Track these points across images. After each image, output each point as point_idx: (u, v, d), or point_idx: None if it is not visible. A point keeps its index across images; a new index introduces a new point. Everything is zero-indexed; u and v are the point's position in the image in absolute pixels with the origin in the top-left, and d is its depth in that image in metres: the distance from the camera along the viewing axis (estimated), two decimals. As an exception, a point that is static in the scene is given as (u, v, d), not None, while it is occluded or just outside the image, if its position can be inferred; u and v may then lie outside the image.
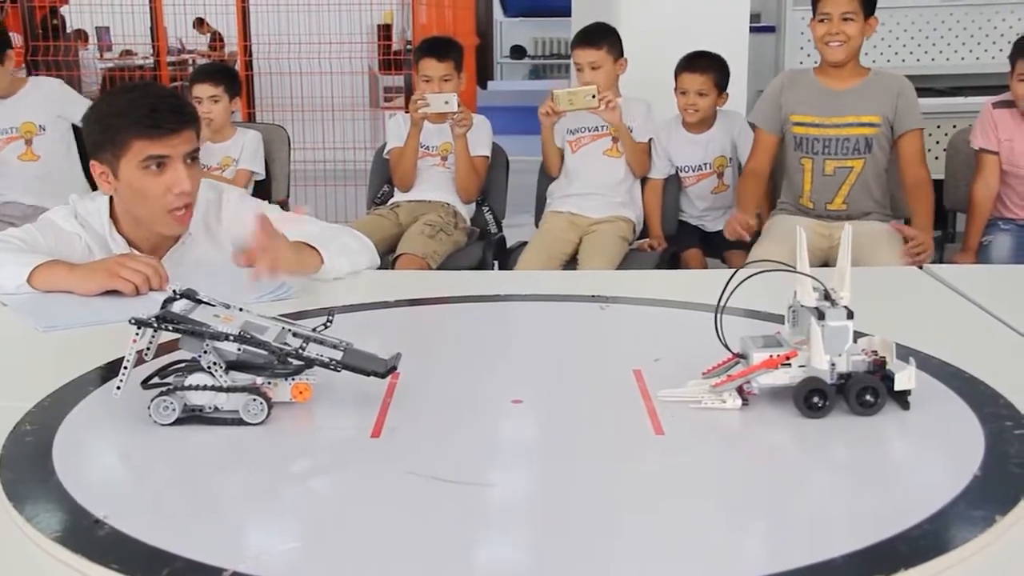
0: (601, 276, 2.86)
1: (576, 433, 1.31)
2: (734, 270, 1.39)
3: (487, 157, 3.61)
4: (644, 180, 3.60)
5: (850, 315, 1.34)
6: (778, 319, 1.45)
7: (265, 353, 1.34)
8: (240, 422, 1.31)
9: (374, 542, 1.03)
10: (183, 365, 1.35)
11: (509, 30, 11.27)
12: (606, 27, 3.56)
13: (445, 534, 1.04)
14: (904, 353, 1.37)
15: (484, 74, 10.04)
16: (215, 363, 1.32)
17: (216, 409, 1.32)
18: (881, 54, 5.48)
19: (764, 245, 3.10)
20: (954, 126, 3.95)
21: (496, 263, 3.52)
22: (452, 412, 1.39)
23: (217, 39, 7.60)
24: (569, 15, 4.87)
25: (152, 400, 1.31)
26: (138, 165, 2.02)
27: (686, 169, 3.61)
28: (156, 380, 1.37)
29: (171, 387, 1.32)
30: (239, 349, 1.33)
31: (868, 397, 1.32)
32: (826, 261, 3.05)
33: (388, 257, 3.29)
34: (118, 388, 1.31)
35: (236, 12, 6.29)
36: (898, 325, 1.54)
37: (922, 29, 5.52)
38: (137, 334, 1.32)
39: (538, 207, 3.70)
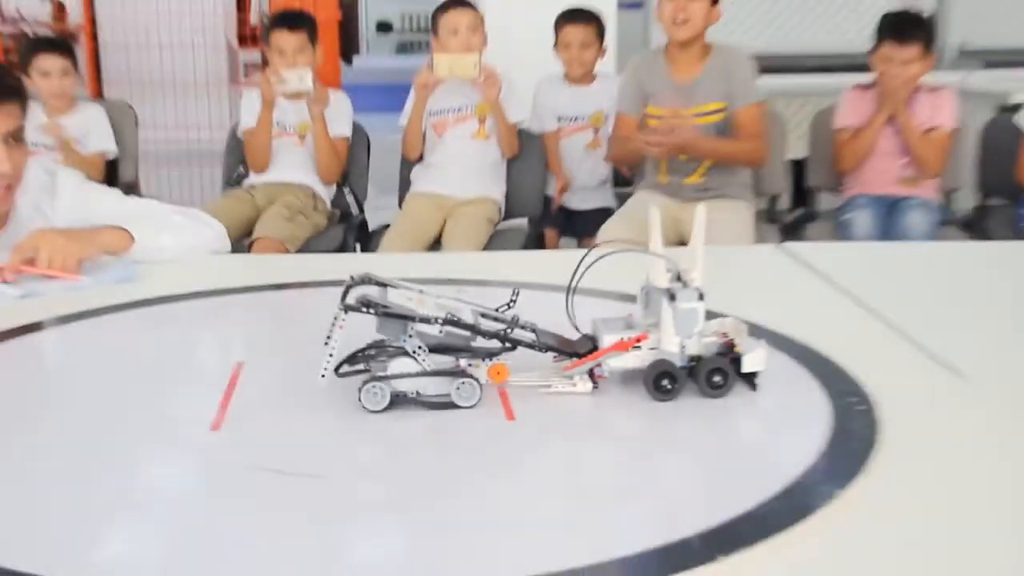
0: (465, 258, 2.86)
1: (422, 418, 1.31)
2: (587, 250, 1.40)
3: (347, 137, 3.57)
4: (530, 140, 3.62)
5: (701, 296, 1.36)
6: (632, 299, 1.47)
7: (467, 334, 1.34)
8: (449, 405, 1.31)
9: (214, 540, 1.02)
10: (374, 351, 1.35)
11: (375, 5, 11.17)
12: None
13: (287, 528, 1.03)
14: (757, 333, 1.41)
15: (349, 49, 9.93)
16: (420, 347, 1.32)
17: (419, 394, 1.32)
18: (746, 33, 5.62)
19: (616, 223, 3.17)
20: (818, 106, 4.05)
21: (358, 246, 3.49)
22: (295, 401, 1.38)
23: (60, 9, 7.32)
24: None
25: (362, 387, 1.30)
26: None
27: (563, 120, 3.66)
28: (347, 367, 1.35)
29: (374, 374, 1.32)
30: (440, 332, 1.32)
31: (717, 379, 1.35)
32: (682, 240, 3.10)
33: (244, 241, 3.23)
34: (323, 375, 1.31)
35: (78, -19, 6.08)
36: (753, 304, 1.59)
37: (789, 6, 5.68)
38: (343, 319, 1.31)
39: (402, 188, 3.68)
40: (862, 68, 3.53)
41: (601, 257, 1.38)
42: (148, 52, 5.82)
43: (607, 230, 3.12)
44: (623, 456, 1.25)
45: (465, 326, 1.33)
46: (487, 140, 3.53)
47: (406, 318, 1.31)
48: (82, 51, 5.76)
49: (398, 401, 1.31)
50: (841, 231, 3.40)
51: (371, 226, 3.62)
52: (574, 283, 1.38)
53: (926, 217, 3.37)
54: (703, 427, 1.31)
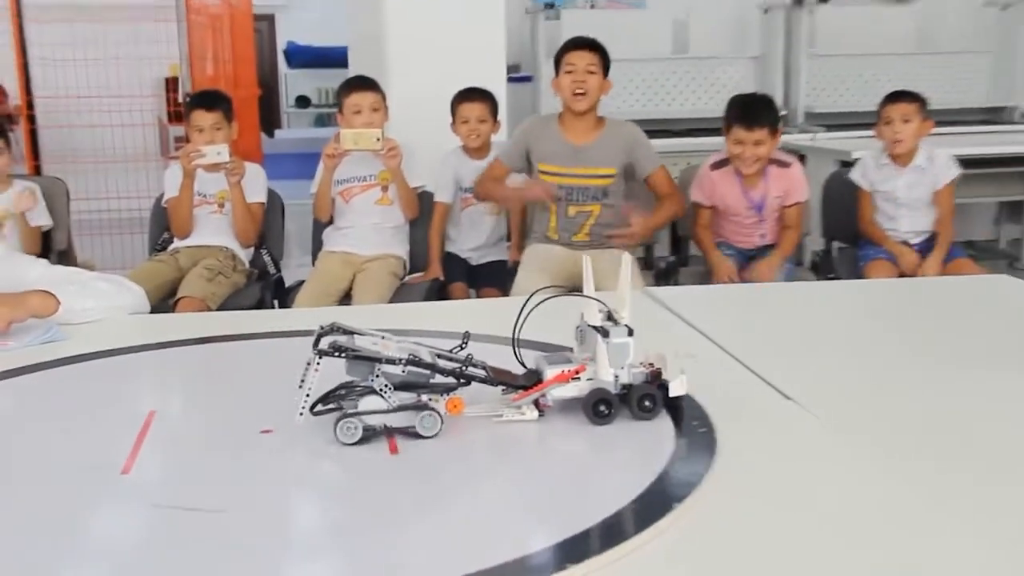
0: (372, 310, 2.87)
1: (325, 458, 1.33)
2: (529, 295, 1.48)
3: (263, 203, 3.58)
4: (432, 206, 3.64)
5: (630, 332, 1.43)
6: (540, 346, 1.54)
7: (427, 373, 1.38)
8: (414, 436, 1.36)
9: (117, 572, 1.03)
10: (344, 391, 1.39)
11: (294, 81, 11.15)
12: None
13: (188, 562, 1.04)
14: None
15: (271, 123, 9.91)
16: (386, 385, 1.35)
17: (386, 427, 1.36)
18: (624, 101, 5.76)
19: (526, 274, 3.21)
20: (688, 163, 4.17)
21: (276, 302, 3.48)
22: (204, 444, 1.39)
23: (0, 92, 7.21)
24: (347, 66, 4.92)
25: (337, 423, 1.34)
26: None
27: (469, 192, 3.69)
28: (321, 407, 1.39)
29: (346, 411, 1.35)
30: (404, 371, 1.37)
31: (647, 404, 1.41)
32: (577, 285, 3.17)
33: (168, 301, 3.21)
34: (301, 414, 1.35)
35: (16, 67, 5.99)
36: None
37: (657, 79, 5.84)
38: (318, 364, 1.35)
39: (315, 248, 3.69)
40: (719, 131, 3.63)
41: (543, 301, 1.46)
42: (86, 131, 5.76)
43: (522, 282, 3.17)
44: (560, 472, 1.30)
45: (425, 365, 1.38)
46: (390, 205, 3.56)
47: (374, 360, 1.36)
48: (21, 131, 5.69)
49: (369, 434, 1.35)
50: (708, 276, 3.48)
51: (288, 283, 3.62)
52: (519, 324, 1.44)
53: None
54: (573, 443, 1.37)
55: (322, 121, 11.02)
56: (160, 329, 2.08)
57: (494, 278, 3.60)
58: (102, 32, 5.78)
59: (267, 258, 3.62)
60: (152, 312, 2.31)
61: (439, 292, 3.55)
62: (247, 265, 3.54)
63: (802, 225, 3.53)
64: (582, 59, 3.23)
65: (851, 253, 3.75)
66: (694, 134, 5.22)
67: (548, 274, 3.08)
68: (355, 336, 1.39)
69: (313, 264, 3.62)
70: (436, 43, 4.09)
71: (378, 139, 3.32)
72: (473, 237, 3.75)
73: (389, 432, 1.36)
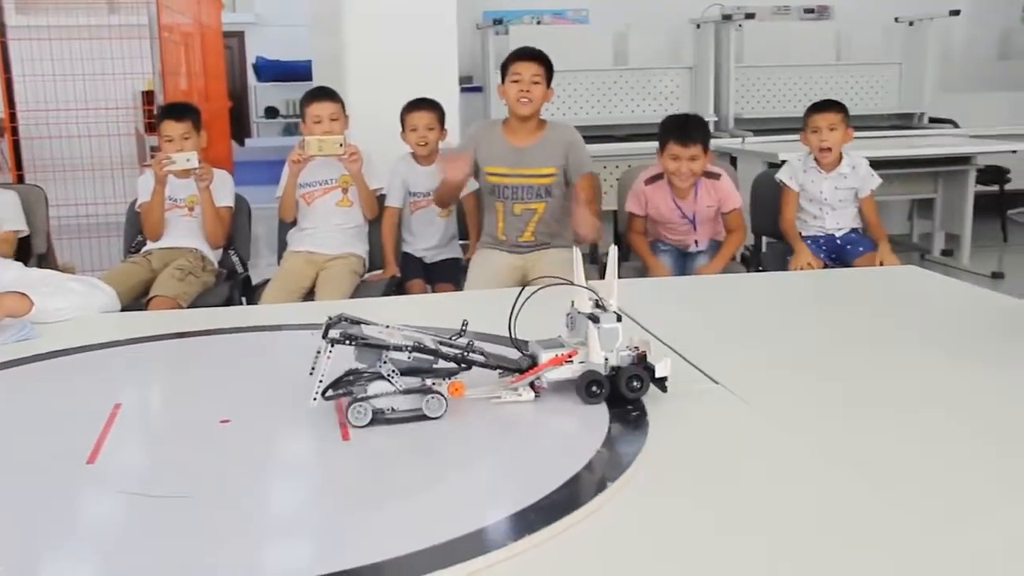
0: (334, 305, 2.83)
1: (271, 444, 1.30)
2: (521, 288, 1.47)
3: (231, 207, 3.51)
4: (383, 209, 3.60)
5: (619, 318, 1.43)
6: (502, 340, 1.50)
7: (430, 358, 1.38)
8: (421, 418, 1.35)
9: (83, 560, 0.99)
10: (353, 377, 1.38)
11: (263, 93, 10.99)
12: None
13: (152, 546, 1.01)
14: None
15: (241, 132, 9.79)
16: (393, 371, 1.34)
17: (394, 410, 1.35)
18: (569, 108, 5.75)
19: (476, 276, 3.20)
20: (629, 165, 4.17)
21: (244, 300, 3.42)
22: (166, 434, 1.35)
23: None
24: (312, 79, 4.87)
25: (348, 407, 1.33)
26: None
27: (417, 195, 3.65)
28: (331, 392, 1.37)
29: (356, 396, 1.34)
30: (409, 357, 1.36)
31: (635, 384, 1.41)
32: (522, 282, 3.16)
33: (142, 300, 3.14)
34: (315, 399, 1.34)
35: (0, 83, 5.87)
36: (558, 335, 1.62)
37: (599, 88, 5.84)
38: (331, 351, 1.34)
39: (280, 248, 3.63)
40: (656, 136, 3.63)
41: (537, 291, 1.45)
42: (67, 141, 5.66)
43: (472, 281, 3.15)
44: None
45: (429, 351, 1.38)
46: (350, 207, 3.52)
47: (382, 347, 1.35)
48: (5, 143, 5.58)
49: (378, 416, 1.34)
50: (646, 273, 3.46)
51: (255, 281, 3.56)
52: (515, 313, 1.43)
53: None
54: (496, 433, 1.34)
55: (289, 130, 10.90)
56: (133, 326, 2.03)
57: (448, 274, 3.56)
58: (81, 50, 5.68)
59: (235, 258, 3.56)
60: (126, 311, 2.26)
61: (397, 288, 3.52)
62: (216, 265, 3.48)
63: (743, 228, 3.53)
64: (528, 69, 3.20)
65: (779, 248, 3.76)
66: (633, 139, 5.22)
67: (495, 280, 3.09)
68: (362, 325, 1.40)
69: (279, 263, 3.56)
70: (393, 57, 4.06)
71: (341, 144, 3.27)
72: (426, 238, 3.71)
73: (397, 414, 1.35)
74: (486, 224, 3.41)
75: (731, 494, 1.13)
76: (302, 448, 1.30)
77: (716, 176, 3.46)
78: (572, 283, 1.48)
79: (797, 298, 2.29)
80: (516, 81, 3.20)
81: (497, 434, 1.34)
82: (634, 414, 1.36)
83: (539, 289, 1.46)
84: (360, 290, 3.38)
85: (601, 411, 1.37)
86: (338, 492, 1.16)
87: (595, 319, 1.43)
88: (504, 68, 3.28)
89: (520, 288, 1.47)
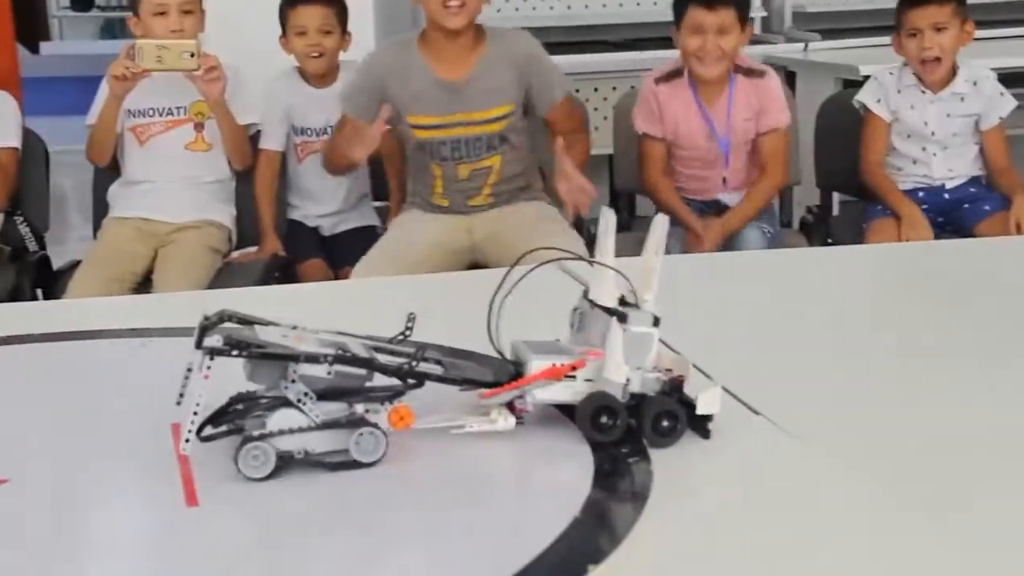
0: (182, 299, 2.83)
1: (70, 515, 1.32)
2: (511, 265, 1.44)
3: (14, 149, 3.50)
4: (257, 155, 3.63)
5: (656, 322, 1.41)
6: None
7: (363, 373, 1.37)
8: (349, 464, 1.34)
9: None
10: (243, 406, 1.38)
11: (68, -28, 10.98)
12: None
13: None
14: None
15: (34, 33, 9.68)
16: (306, 393, 1.33)
17: (307, 453, 1.33)
18: (542, 1, 5.75)
19: (377, 258, 3.24)
20: (632, 86, 4.18)
21: (40, 291, 3.42)
22: None
23: None
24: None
25: (239, 450, 1.30)
26: None
27: (306, 132, 3.65)
28: (211, 430, 1.36)
29: (249, 433, 1.32)
30: (329, 373, 1.34)
31: (666, 423, 1.40)
32: (474, 261, 3.24)
33: None
34: (187, 440, 1.32)
35: None
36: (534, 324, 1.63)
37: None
38: (209, 367, 1.32)
39: (98, 213, 3.63)
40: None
41: (534, 268, 1.43)
42: None
43: (365, 265, 3.16)
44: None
45: (361, 362, 1.37)
46: (208, 151, 3.52)
47: (288, 358, 1.34)
48: None
49: (283, 462, 1.33)
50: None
51: (57, 264, 3.56)
52: (498, 301, 1.41)
53: (759, 225, 3.54)
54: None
55: (111, 30, 10.85)
56: None
57: (357, 251, 3.56)
58: None
59: (24, 228, 3.55)
60: None
61: (284, 272, 3.52)
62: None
63: (785, 166, 3.57)
64: None
65: (856, 209, 3.85)
66: (638, 46, 5.24)
67: (430, 253, 3.16)
68: (256, 327, 1.39)
69: (95, 237, 3.56)
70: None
71: (192, 55, 3.25)
72: (323, 198, 3.73)
73: (311, 459, 1.34)
74: (418, 183, 3.42)
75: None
76: (127, 521, 1.32)
77: (759, 74, 3.51)
78: (592, 260, 1.47)
79: (886, 286, 2.32)
80: None
81: (459, 487, 1.36)
82: (631, 459, 1.39)
83: (538, 266, 1.44)
84: (223, 277, 3.40)
85: (581, 450, 1.40)
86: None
87: (621, 317, 1.42)
88: None
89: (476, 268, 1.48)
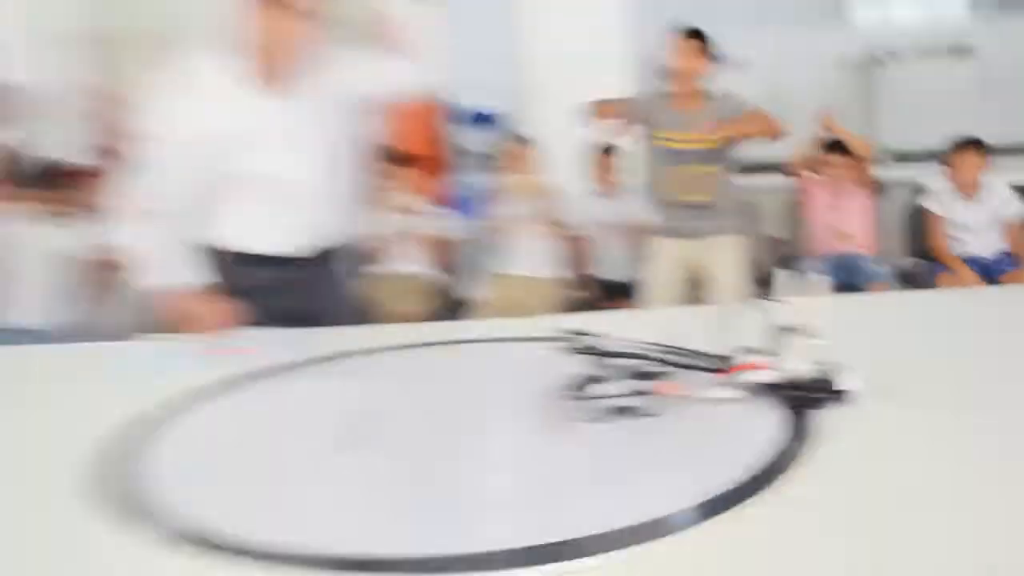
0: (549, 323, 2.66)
1: (514, 437, 1.89)
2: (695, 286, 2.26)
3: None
4: None
5: (815, 335, 1.94)
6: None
7: (656, 364, 1.93)
8: (650, 413, 1.87)
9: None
10: (588, 382, 1.90)
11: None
12: None
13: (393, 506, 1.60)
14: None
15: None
16: (623, 374, 1.88)
17: (620, 408, 1.87)
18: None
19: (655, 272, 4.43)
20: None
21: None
22: (430, 436, 1.91)
23: None
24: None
25: (582, 406, 1.87)
26: None
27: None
28: (578, 395, 1.88)
29: (593, 395, 1.88)
30: (643, 364, 1.91)
31: (822, 395, 1.90)
32: (697, 280, 4.49)
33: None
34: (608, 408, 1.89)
35: None
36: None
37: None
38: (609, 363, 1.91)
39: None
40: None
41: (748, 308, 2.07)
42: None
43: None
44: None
45: (660, 360, 1.93)
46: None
47: (630, 356, 1.90)
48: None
49: (616, 412, 1.86)
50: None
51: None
52: (728, 326, 2.06)
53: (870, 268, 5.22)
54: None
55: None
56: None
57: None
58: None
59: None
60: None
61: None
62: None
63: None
64: None
65: (928, 269, 5.57)
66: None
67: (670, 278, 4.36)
68: (601, 339, 1.96)
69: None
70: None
71: None
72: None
73: (623, 411, 1.85)
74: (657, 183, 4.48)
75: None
76: (539, 440, 1.80)
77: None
78: (779, 299, 2.01)
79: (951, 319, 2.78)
80: None
81: (708, 428, 1.83)
82: (812, 414, 1.85)
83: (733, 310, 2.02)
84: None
85: (781, 415, 1.86)
86: (575, 471, 1.66)
87: (795, 332, 1.93)
88: None
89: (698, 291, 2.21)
